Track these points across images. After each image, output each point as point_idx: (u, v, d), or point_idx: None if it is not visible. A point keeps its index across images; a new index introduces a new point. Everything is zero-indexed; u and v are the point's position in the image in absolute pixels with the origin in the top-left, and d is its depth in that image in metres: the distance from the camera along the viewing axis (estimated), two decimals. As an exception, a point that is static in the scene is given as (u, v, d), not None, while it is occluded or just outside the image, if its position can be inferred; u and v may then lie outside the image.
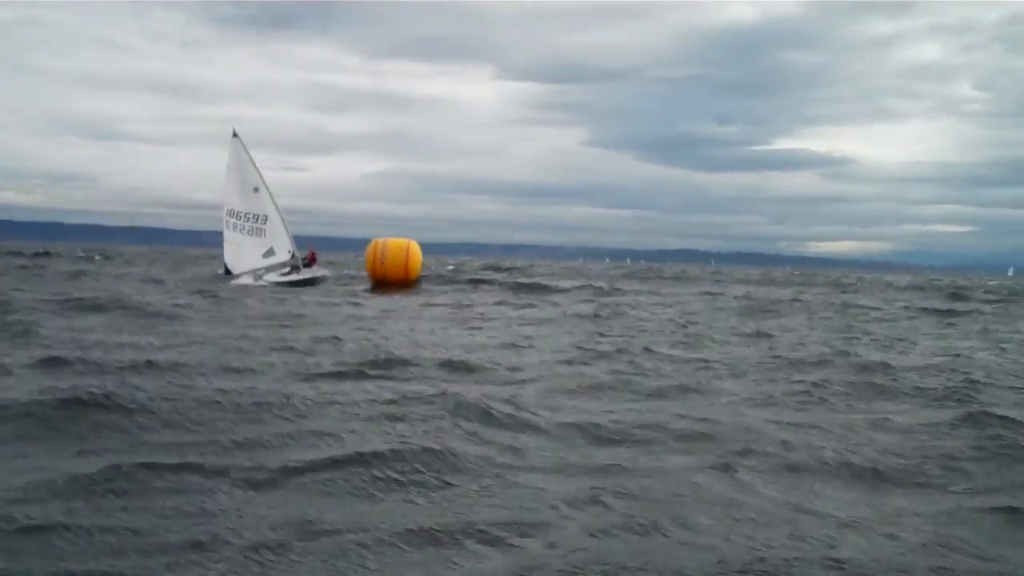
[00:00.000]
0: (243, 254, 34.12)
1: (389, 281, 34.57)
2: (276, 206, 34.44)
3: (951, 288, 56.23)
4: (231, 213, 34.53)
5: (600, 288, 40.07)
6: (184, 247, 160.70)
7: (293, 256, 34.36)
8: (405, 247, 35.47)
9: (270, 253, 34.21)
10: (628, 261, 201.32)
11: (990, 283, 79.56)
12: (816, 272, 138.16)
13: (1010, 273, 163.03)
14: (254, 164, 34.72)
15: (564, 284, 42.16)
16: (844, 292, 48.57)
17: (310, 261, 35.13)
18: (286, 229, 34.47)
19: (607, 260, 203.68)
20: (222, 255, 35.10)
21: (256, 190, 34.51)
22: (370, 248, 35.69)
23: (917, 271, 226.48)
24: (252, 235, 34.31)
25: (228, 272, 34.56)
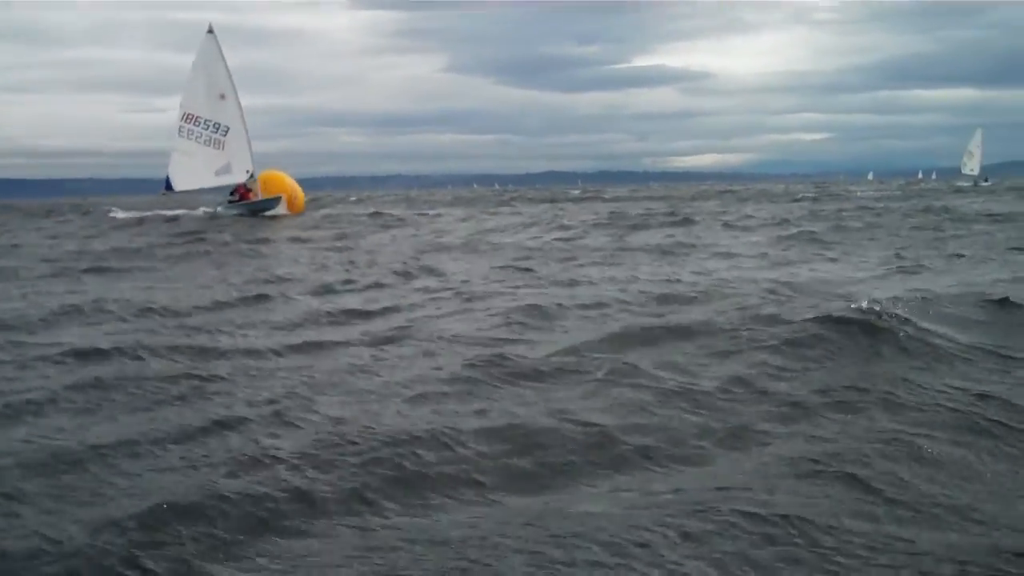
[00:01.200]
0: (194, 167, 30.26)
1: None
2: (243, 119, 30.69)
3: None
4: (188, 118, 30.49)
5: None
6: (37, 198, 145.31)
7: (251, 177, 30.86)
8: (284, 180, 32.71)
9: (225, 170, 30.59)
10: (496, 186, 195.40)
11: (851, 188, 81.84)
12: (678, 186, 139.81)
13: (870, 177, 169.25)
14: (227, 68, 30.68)
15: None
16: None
17: (243, 196, 31.23)
18: (249, 146, 30.84)
19: (474, 186, 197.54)
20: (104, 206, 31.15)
21: (223, 97, 30.64)
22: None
23: (779, 180, 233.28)
24: (209, 146, 30.50)
25: (169, 188, 30.73)
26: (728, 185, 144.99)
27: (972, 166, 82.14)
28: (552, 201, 54.50)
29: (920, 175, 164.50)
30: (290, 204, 31.52)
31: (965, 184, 76.95)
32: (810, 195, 53.44)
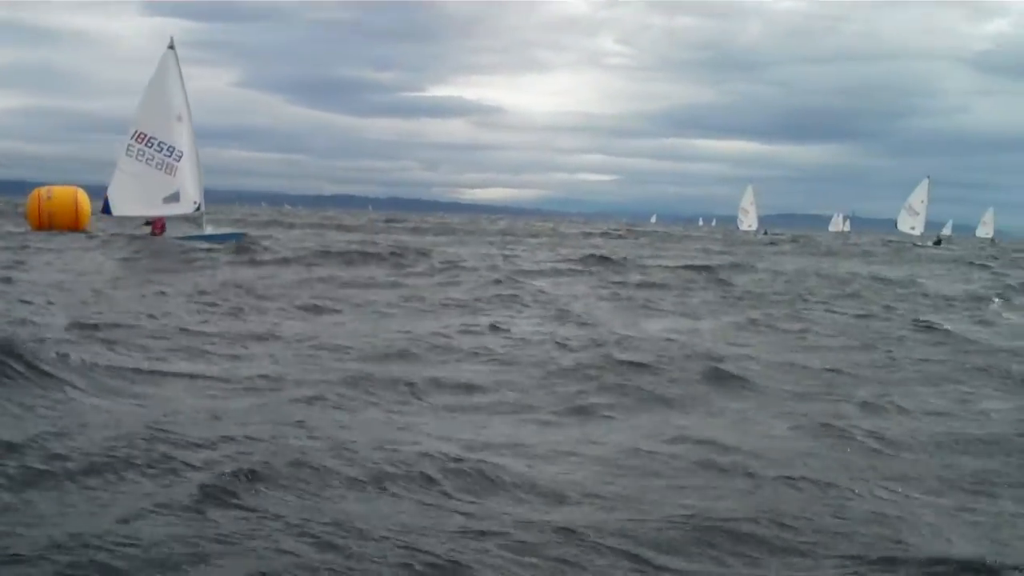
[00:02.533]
0: (141, 190, 27.45)
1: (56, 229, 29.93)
2: (195, 146, 28.53)
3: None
4: (139, 137, 27.77)
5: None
6: None
7: (198, 209, 28.72)
8: (73, 195, 31.60)
9: (173, 199, 28.06)
10: (286, 207, 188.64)
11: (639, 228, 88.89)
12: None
13: (653, 220, 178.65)
14: (183, 88, 28.44)
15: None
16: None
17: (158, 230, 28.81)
18: (200, 175, 28.73)
19: (263, 205, 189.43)
20: None
21: (179, 119, 28.26)
22: (33, 196, 31.38)
23: (565, 218, 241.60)
24: (159, 169, 27.89)
25: (107, 211, 28.01)
26: (527, 220, 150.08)
27: (749, 222, 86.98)
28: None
29: (701, 222, 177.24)
30: (78, 220, 30.82)
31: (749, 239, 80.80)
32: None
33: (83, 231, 30.53)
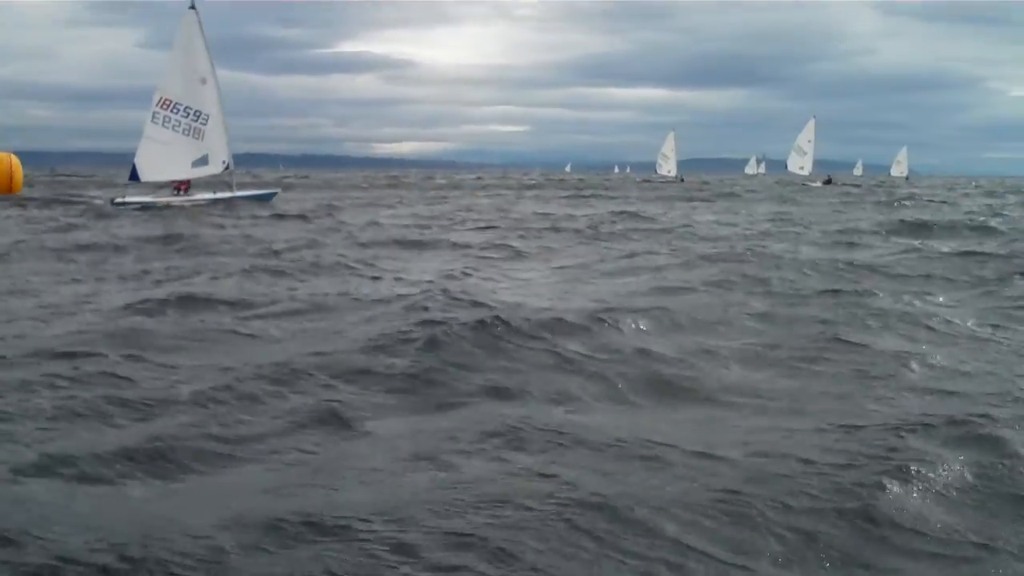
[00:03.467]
0: (170, 156, 27.05)
1: None
2: (221, 106, 28.11)
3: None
4: (164, 104, 27.27)
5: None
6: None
7: (227, 168, 28.43)
8: (7, 161, 31.15)
9: (202, 162, 27.82)
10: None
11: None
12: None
13: (567, 169, 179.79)
14: (207, 49, 27.88)
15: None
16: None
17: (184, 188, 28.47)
18: (227, 136, 28.36)
19: None
20: None
21: (204, 81, 27.80)
22: None
23: (479, 168, 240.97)
24: (187, 135, 27.48)
25: (134, 178, 27.41)
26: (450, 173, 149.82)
27: (669, 167, 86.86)
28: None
29: (616, 170, 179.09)
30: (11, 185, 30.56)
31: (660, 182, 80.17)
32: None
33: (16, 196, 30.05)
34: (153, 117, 27.35)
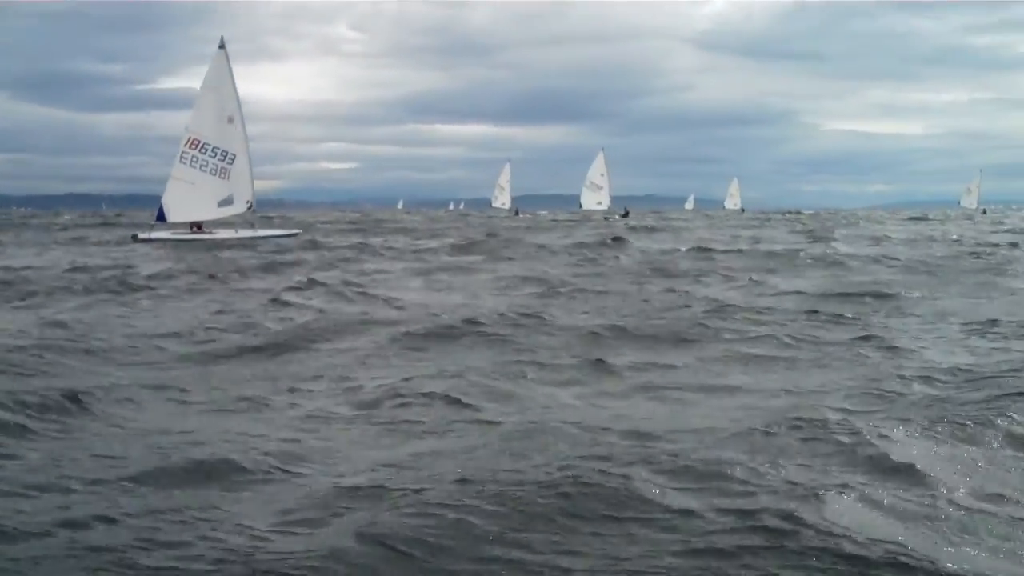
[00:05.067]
0: (195, 196, 26.70)
1: None
2: (247, 145, 27.74)
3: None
4: (194, 144, 26.89)
5: None
6: None
7: (251, 208, 28.01)
8: None
9: (227, 202, 27.49)
10: (15, 208, 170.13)
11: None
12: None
13: (400, 205, 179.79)
14: (235, 88, 27.45)
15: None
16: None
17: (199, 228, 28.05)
18: (251, 175, 27.95)
19: None
20: None
21: (231, 121, 27.41)
22: None
23: (308, 207, 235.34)
24: (215, 175, 27.13)
25: (161, 219, 26.74)
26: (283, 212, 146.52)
27: (503, 200, 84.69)
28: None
29: (451, 206, 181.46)
30: None
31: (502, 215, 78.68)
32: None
33: None
34: (181, 157, 26.90)
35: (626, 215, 66.68)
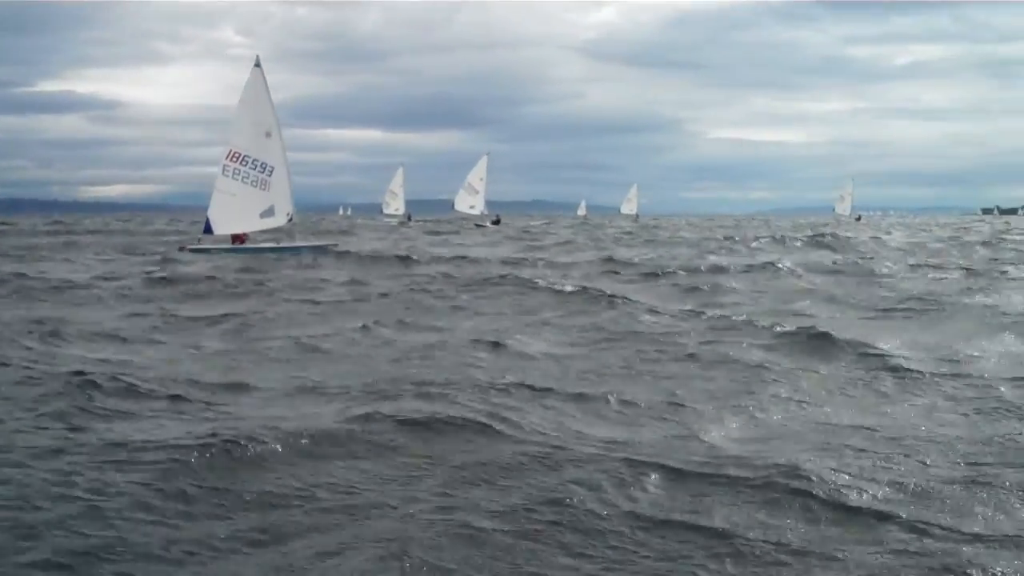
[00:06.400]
0: (238, 208, 27.68)
1: None
2: (285, 158, 28.86)
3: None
4: (234, 157, 27.84)
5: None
6: None
7: (291, 220, 29.16)
8: None
9: (268, 213, 28.50)
10: None
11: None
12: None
13: (344, 212, 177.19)
14: (271, 103, 28.56)
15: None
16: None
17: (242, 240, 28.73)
18: (290, 188, 29.09)
19: None
20: None
21: (268, 135, 28.45)
22: None
23: (195, 211, 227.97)
24: (255, 187, 28.10)
25: (208, 231, 27.73)
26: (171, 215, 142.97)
27: (396, 205, 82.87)
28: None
29: (341, 211, 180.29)
30: None
31: (392, 221, 78.42)
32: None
33: None
34: (223, 170, 27.90)
35: (497, 222, 66.89)
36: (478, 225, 61.64)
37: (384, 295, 16.46)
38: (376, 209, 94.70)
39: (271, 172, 28.33)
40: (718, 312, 13.42)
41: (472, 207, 67.66)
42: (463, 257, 27.13)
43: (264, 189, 28.21)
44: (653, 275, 20.81)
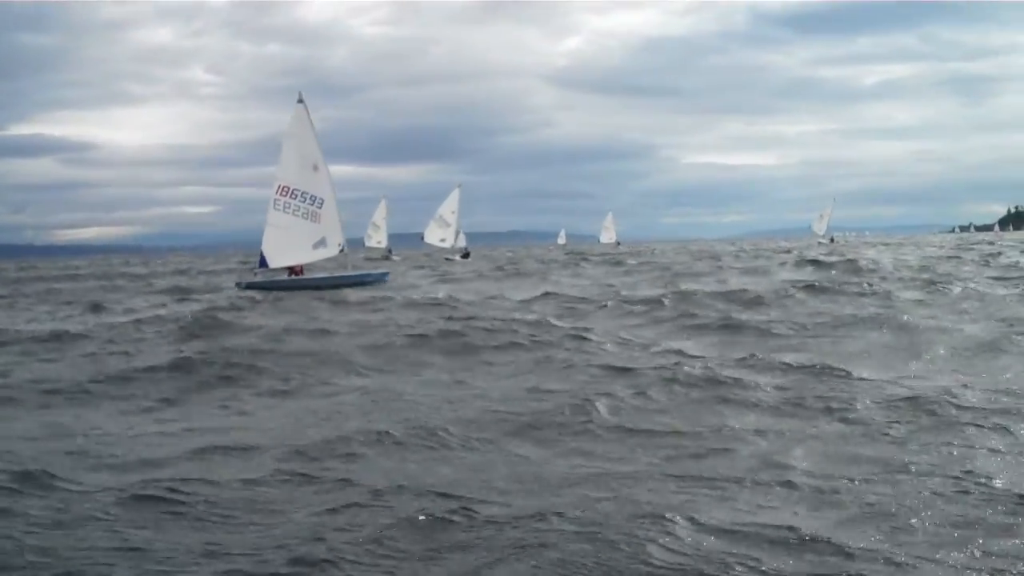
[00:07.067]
0: (291, 241, 28.09)
1: None
2: (333, 190, 29.28)
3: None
4: (284, 191, 28.27)
5: None
6: None
7: (343, 251, 29.57)
8: None
9: (321, 244, 28.96)
10: None
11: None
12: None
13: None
14: (316, 137, 29.00)
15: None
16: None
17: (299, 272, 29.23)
18: (340, 219, 29.51)
19: None
20: None
21: (315, 168, 28.88)
22: None
23: (168, 253, 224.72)
24: (307, 219, 28.54)
25: (263, 265, 28.00)
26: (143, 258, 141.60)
27: (379, 238, 78.66)
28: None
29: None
30: None
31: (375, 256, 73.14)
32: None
33: None
34: (274, 204, 28.26)
35: (467, 256, 64.60)
36: (447, 259, 59.53)
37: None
38: (353, 243, 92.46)
39: (321, 204, 28.73)
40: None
41: (443, 240, 65.13)
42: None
43: (315, 221, 28.61)
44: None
